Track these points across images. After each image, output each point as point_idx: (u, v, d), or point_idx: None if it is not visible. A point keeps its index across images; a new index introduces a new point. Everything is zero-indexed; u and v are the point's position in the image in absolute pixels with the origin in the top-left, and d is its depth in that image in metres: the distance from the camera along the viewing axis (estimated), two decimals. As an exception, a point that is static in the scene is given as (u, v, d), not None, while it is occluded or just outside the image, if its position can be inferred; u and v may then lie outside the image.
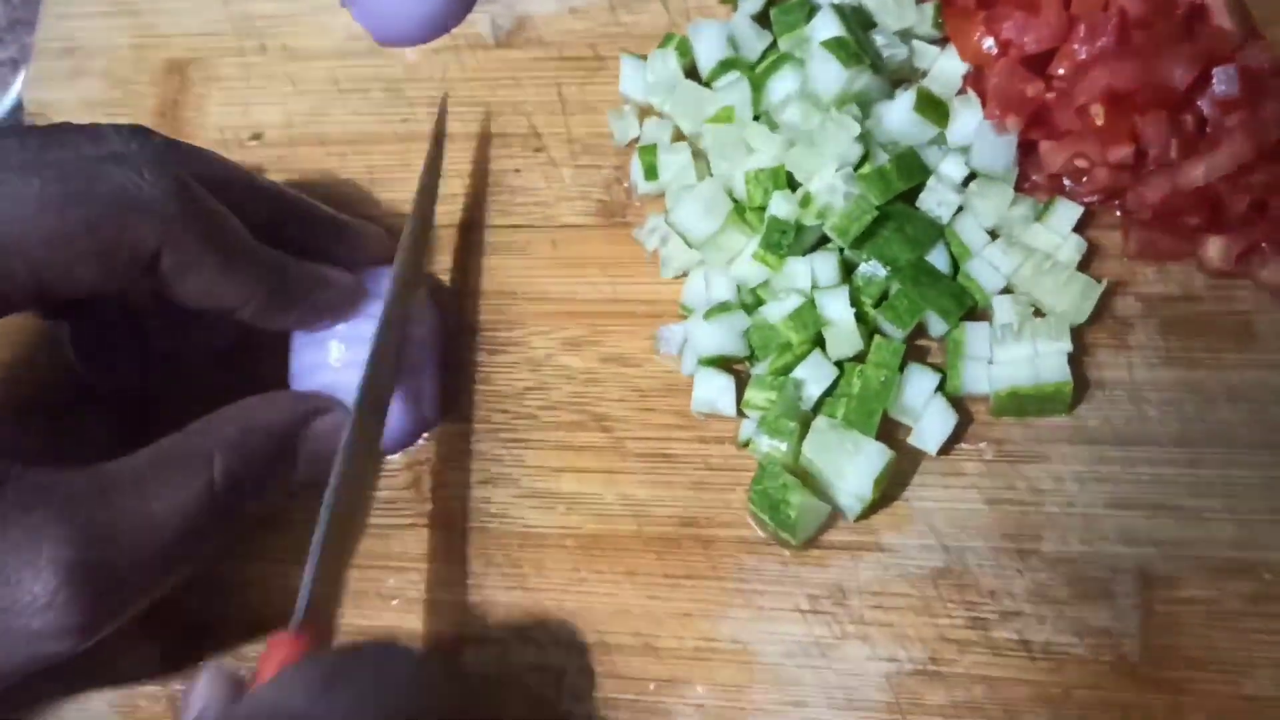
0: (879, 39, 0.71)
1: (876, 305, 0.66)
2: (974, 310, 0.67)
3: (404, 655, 0.55)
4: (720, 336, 0.67)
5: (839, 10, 0.69)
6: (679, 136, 0.74)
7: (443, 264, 0.75)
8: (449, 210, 0.76)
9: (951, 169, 0.68)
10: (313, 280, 0.65)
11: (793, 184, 0.68)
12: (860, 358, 0.66)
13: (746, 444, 0.67)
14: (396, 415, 0.67)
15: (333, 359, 0.66)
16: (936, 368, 0.66)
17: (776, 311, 0.67)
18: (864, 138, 0.67)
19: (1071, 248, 0.66)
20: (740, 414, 0.67)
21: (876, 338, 0.65)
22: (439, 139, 0.74)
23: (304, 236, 0.67)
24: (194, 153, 0.64)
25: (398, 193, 0.77)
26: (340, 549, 0.59)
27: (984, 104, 0.68)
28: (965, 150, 0.69)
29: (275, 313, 0.64)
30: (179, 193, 0.58)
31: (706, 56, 0.73)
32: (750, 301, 0.69)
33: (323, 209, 0.69)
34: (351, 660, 0.51)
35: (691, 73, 0.74)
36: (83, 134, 0.59)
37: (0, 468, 0.52)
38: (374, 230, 0.72)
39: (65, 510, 0.51)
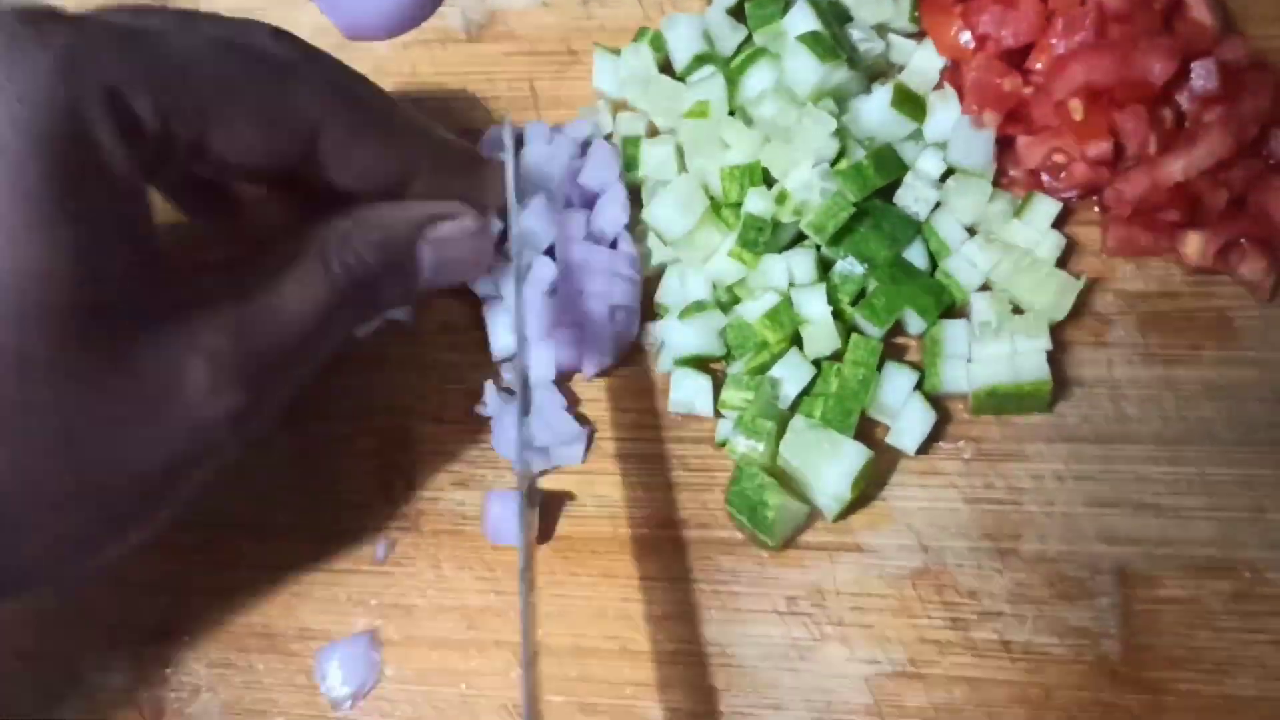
0: (855, 33, 0.70)
1: (854, 303, 0.66)
2: (952, 308, 0.66)
3: None
4: (696, 336, 0.67)
5: (815, 4, 0.68)
6: (653, 132, 0.73)
7: (414, 262, 0.74)
8: (420, 207, 0.75)
9: (929, 165, 0.68)
10: (473, 151, 0.67)
11: (769, 180, 0.68)
12: (838, 356, 0.65)
13: (723, 444, 0.66)
14: None
15: None
16: (914, 366, 0.65)
17: (753, 310, 0.66)
18: (840, 133, 0.66)
19: (1050, 244, 0.66)
20: (717, 414, 0.67)
21: (854, 336, 0.65)
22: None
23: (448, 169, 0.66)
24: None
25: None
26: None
27: (961, 99, 0.68)
28: (943, 146, 0.68)
29: (447, 183, 0.64)
30: (332, 65, 0.61)
31: (681, 51, 0.72)
32: (726, 300, 0.68)
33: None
34: None
35: (666, 68, 0.74)
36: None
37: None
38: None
39: (214, 306, 0.54)
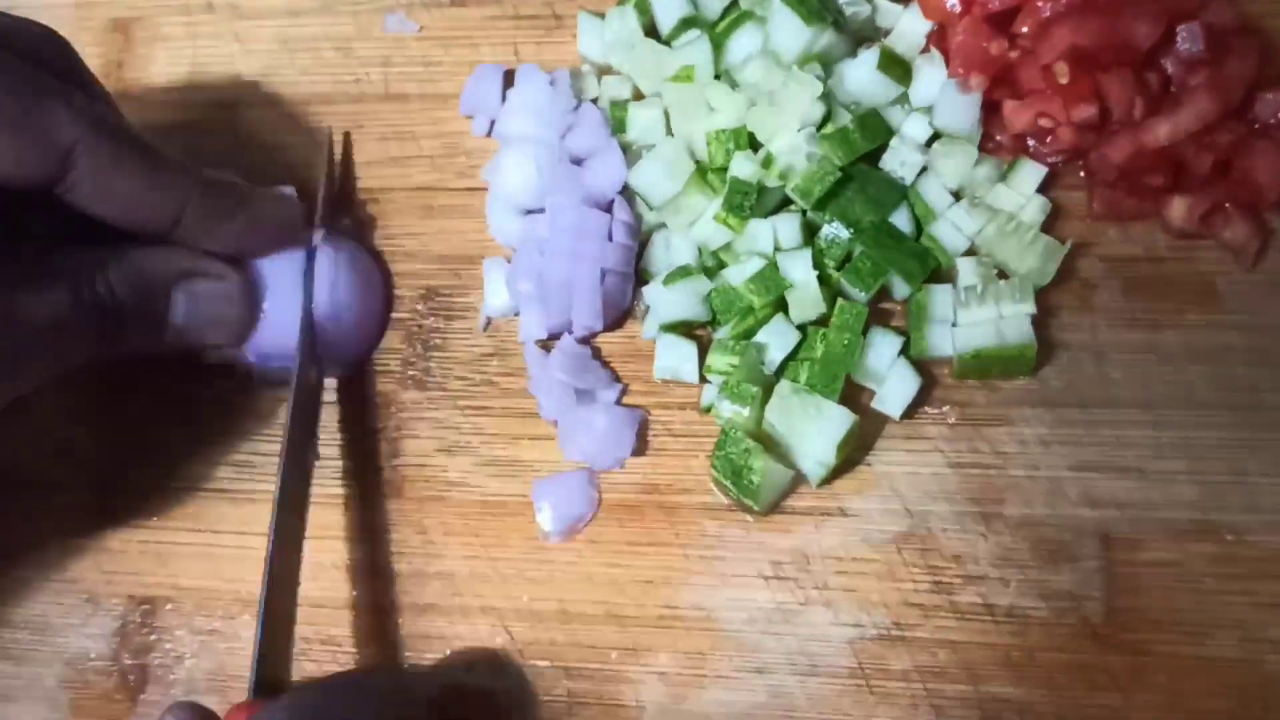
0: (841, -4, 0.70)
1: (839, 268, 0.66)
2: (937, 272, 0.66)
3: (370, 688, 0.58)
4: (681, 301, 0.66)
5: (801, -33, 0.68)
6: (638, 96, 0.72)
7: (399, 227, 0.73)
8: (404, 173, 0.74)
9: (915, 129, 0.67)
10: (248, 190, 0.66)
11: (755, 145, 0.67)
12: (823, 321, 0.65)
13: (709, 409, 0.66)
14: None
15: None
16: (900, 331, 0.65)
17: (738, 274, 0.66)
18: (826, 97, 0.66)
19: (1035, 208, 0.66)
20: (702, 379, 0.66)
21: (839, 301, 0.64)
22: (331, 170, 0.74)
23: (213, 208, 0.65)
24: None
25: (350, 154, 0.75)
26: (286, 595, 0.62)
27: (948, 63, 0.67)
28: (929, 110, 0.68)
29: (216, 224, 0.64)
30: (102, 96, 0.60)
31: (666, 14, 0.72)
32: (712, 265, 0.68)
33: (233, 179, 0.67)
34: (323, 701, 0.55)
35: (651, 31, 0.73)
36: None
37: None
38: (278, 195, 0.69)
39: None
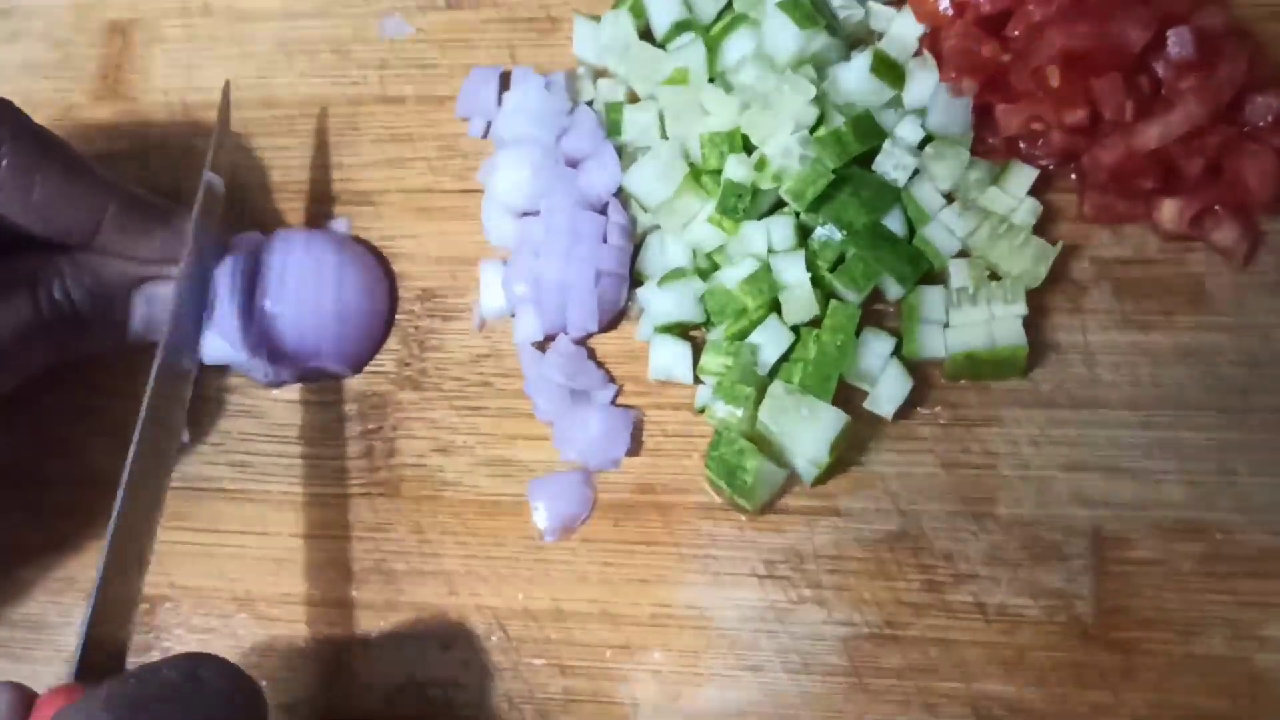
0: (834, 0, 0.70)
1: (833, 269, 0.66)
2: (930, 274, 0.66)
3: (213, 670, 0.52)
4: (676, 303, 0.67)
5: (794, -30, 0.68)
6: (633, 99, 0.73)
7: (396, 229, 0.74)
8: (401, 175, 0.75)
9: (908, 132, 0.68)
10: (167, 208, 0.67)
11: (749, 147, 0.68)
12: (816, 322, 0.65)
13: (703, 410, 0.66)
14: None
15: None
16: (892, 332, 0.66)
17: (733, 276, 0.66)
18: (820, 100, 0.66)
19: (1027, 211, 0.66)
20: (697, 380, 0.67)
21: (833, 302, 0.65)
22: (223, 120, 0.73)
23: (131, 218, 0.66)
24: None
25: (347, 156, 0.76)
26: (126, 576, 0.59)
27: (940, 66, 0.68)
28: (921, 113, 0.68)
29: (134, 239, 0.65)
30: (14, 108, 0.61)
31: (661, 17, 0.72)
32: (706, 267, 0.68)
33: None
34: (147, 687, 0.49)
35: (646, 34, 0.73)
36: None
37: None
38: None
39: None
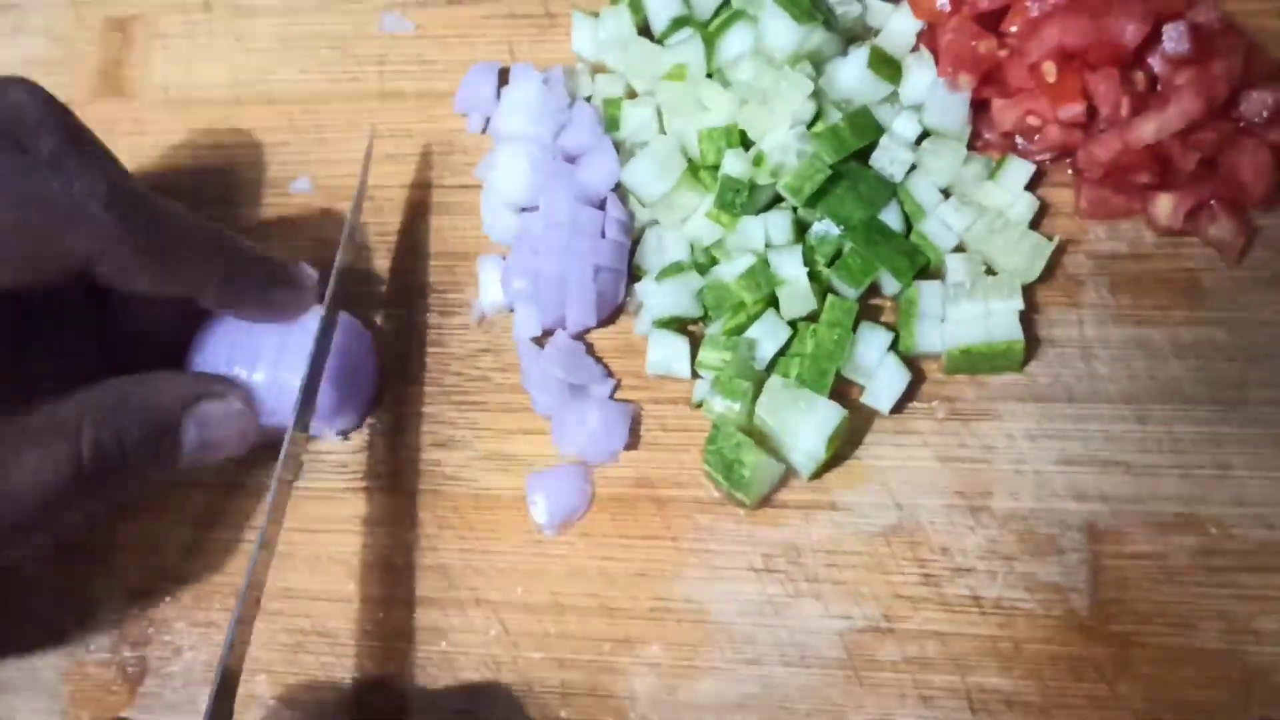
0: (832, -4, 0.71)
1: (830, 264, 0.66)
2: (927, 269, 0.67)
3: None
4: (674, 297, 0.67)
5: (792, -34, 0.68)
6: (631, 94, 0.73)
7: (392, 225, 0.74)
8: (398, 170, 0.75)
9: (904, 127, 0.68)
10: (263, 267, 0.65)
11: (746, 142, 0.68)
12: (813, 317, 0.66)
13: (700, 405, 0.67)
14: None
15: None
16: (889, 327, 0.66)
17: (730, 271, 0.66)
18: (817, 96, 0.66)
19: (1023, 206, 0.67)
20: (694, 374, 0.67)
21: (830, 297, 0.65)
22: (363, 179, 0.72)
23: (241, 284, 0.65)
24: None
25: (346, 153, 0.76)
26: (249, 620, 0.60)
27: (937, 62, 0.68)
28: (918, 108, 0.68)
29: (233, 300, 0.64)
30: (112, 201, 0.57)
31: (659, 13, 0.72)
32: (704, 261, 0.68)
33: (260, 252, 0.66)
34: None
35: (644, 30, 0.74)
36: (8, 139, 0.56)
37: None
38: (307, 273, 0.68)
39: None
